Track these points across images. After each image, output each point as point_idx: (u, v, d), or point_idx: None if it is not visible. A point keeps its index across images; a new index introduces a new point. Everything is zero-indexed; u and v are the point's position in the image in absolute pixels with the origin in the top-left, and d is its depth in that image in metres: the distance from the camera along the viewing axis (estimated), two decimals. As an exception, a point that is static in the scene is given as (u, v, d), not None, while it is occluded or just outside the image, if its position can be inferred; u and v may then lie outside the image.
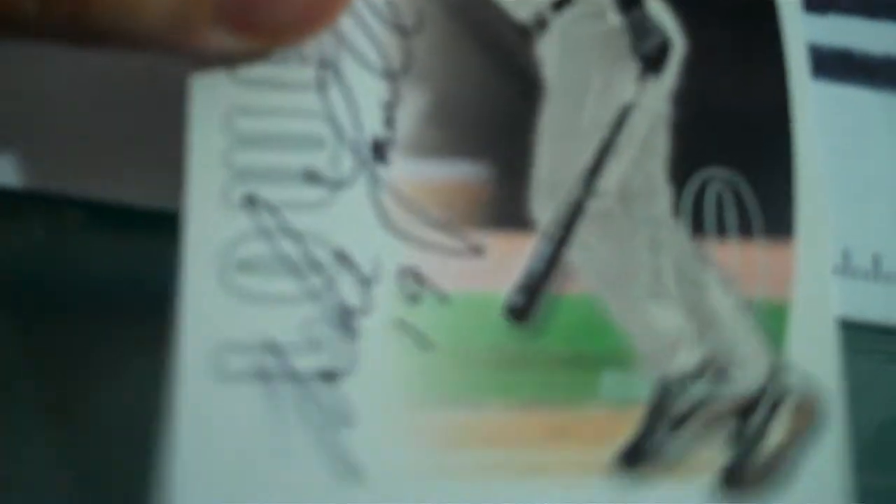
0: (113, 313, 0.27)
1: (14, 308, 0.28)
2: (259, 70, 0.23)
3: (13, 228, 0.29)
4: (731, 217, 0.23)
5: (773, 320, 0.23)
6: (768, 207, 0.23)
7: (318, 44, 0.23)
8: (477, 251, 0.22)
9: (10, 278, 0.28)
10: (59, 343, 0.27)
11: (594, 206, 0.23)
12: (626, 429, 0.23)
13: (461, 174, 0.23)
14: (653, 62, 0.23)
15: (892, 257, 0.31)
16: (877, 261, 0.31)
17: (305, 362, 0.22)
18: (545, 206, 0.23)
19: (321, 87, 0.23)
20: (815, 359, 0.24)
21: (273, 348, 0.21)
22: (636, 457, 0.22)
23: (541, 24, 0.24)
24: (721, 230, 0.23)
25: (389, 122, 0.23)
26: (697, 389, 0.22)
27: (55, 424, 0.27)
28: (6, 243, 0.29)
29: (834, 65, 0.33)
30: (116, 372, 0.26)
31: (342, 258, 0.22)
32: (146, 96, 0.28)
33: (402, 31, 0.23)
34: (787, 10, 0.24)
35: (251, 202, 0.22)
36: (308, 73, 0.23)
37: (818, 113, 0.30)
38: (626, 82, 0.23)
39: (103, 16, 0.21)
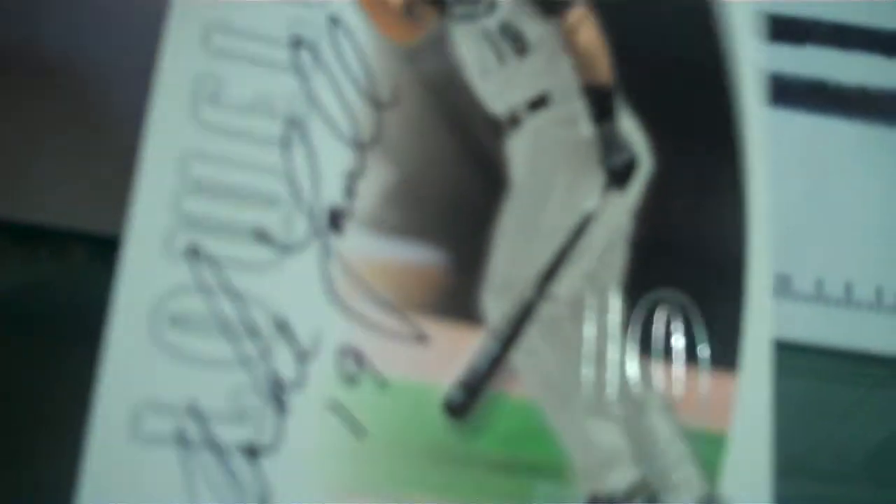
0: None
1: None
2: (223, 116, 0.21)
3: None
4: (679, 341, 0.22)
5: (709, 450, 0.22)
6: (715, 336, 0.22)
7: (289, 100, 0.21)
8: (422, 339, 0.21)
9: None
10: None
11: (545, 311, 0.21)
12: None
13: (415, 257, 0.21)
14: (619, 177, 0.23)
15: (864, 286, 0.31)
16: (849, 289, 0.31)
17: (228, 433, 0.20)
18: (496, 303, 0.21)
19: (285, 144, 0.21)
20: (749, 492, 0.22)
21: (196, 413, 0.19)
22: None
23: (514, 121, 0.23)
24: (667, 353, 0.22)
25: (350, 192, 0.21)
26: None
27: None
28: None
29: (808, 95, 0.33)
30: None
31: (282, 327, 0.20)
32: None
33: (376, 103, 0.22)
34: (752, 141, 0.23)
35: (194, 254, 0.20)
36: (274, 128, 0.21)
37: (791, 143, 0.31)
38: (590, 192, 0.22)
39: None
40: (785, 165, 0.31)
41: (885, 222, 0.31)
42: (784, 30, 0.33)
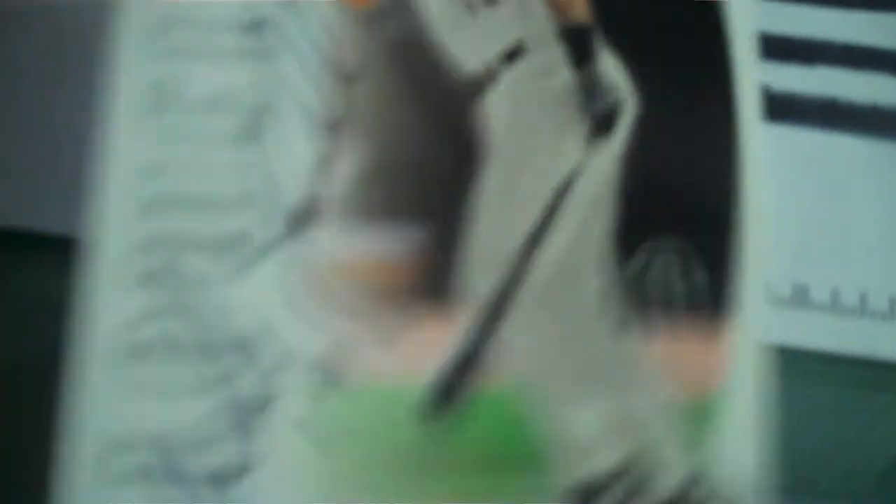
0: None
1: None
2: (181, 117, 0.19)
3: None
4: (679, 289, 0.20)
5: (697, 418, 0.21)
6: (715, 282, 0.20)
7: (252, 89, 0.19)
8: (394, 340, 0.19)
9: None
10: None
11: (535, 278, 0.20)
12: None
13: (391, 245, 0.19)
14: (603, 123, 0.20)
15: (878, 295, 0.32)
16: (864, 299, 0.32)
17: (194, 463, 0.19)
18: (482, 277, 0.20)
19: (251, 139, 0.19)
20: (741, 456, 0.21)
21: (160, 446, 0.18)
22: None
23: (489, 76, 0.20)
24: (668, 301, 0.20)
25: (321, 180, 0.19)
26: (614, 494, 0.20)
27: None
28: None
29: (821, 113, 0.34)
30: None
31: (243, 346, 0.19)
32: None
33: (342, 77, 0.20)
34: (743, 67, 0.21)
35: (153, 277, 0.19)
36: (236, 124, 0.19)
37: (805, 160, 0.33)
38: (573, 144, 0.20)
39: None
40: (800, 181, 0.33)
41: None
42: (795, 50, 0.34)
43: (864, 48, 0.35)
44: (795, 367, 0.29)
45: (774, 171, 0.32)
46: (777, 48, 0.34)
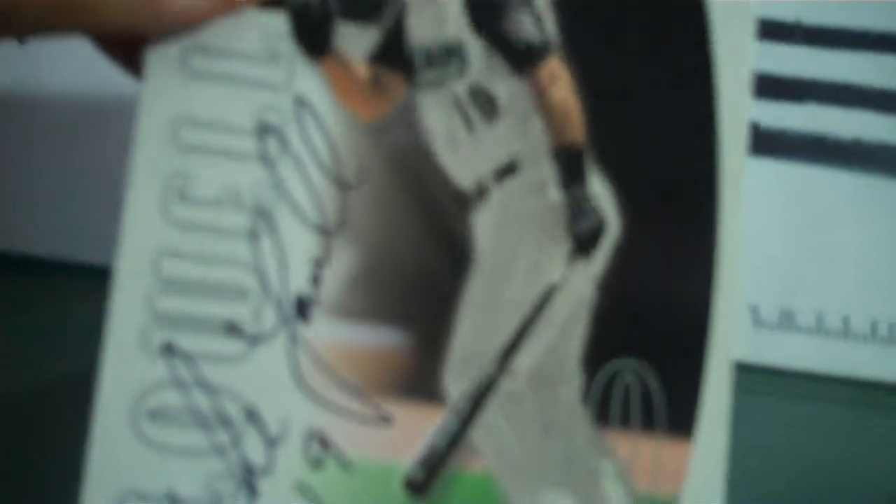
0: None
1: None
2: (192, 213, 0.21)
3: None
4: (637, 409, 0.21)
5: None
6: (674, 404, 0.21)
7: (256, 190, 0.21)
8: (386, 421, 0.21)
9: None
10: None
11: (505, 386, 0.21)
12: None
13: (380, 341, 0.21)
14: (585, 244, 0.22)
15: (860, 318, 0.34)
16: (847, 322, 0.34)
17: None
18: (456, 381, 0.21)
19: (253, 236, 0.21)
20: None
21: (174, 501, 0.20)
22: None
23: (481, 192, 0.22)
24: (625, 420, 0.21)
25: (316, 279, 0.21)
26: None
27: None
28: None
29: (809, 148, 0.36)
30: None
31: (252, 416, 0.21)
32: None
33: (342, 184, 0.21)
34: (728, 206, 0.22)
35: (169, 350, 0.20)
36: (242, 221, 0.21)
37: (793, 192, 0.35)
38: (555, 261, 0.21)
39: None
40: (788, 211, 0.35)
41: (879, 262, 0.34)
42: (785, 89, 0.36)
43: (851, 87, 0.36)
44: (784, 386, 0.32)
45: (763, 202, 0.34)
46: (768, 86, 0.35)
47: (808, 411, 0.33)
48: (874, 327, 0.34)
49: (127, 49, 0.24)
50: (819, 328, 0.34)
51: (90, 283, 0.27)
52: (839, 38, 0.37)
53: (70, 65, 0.33)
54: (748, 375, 0.31)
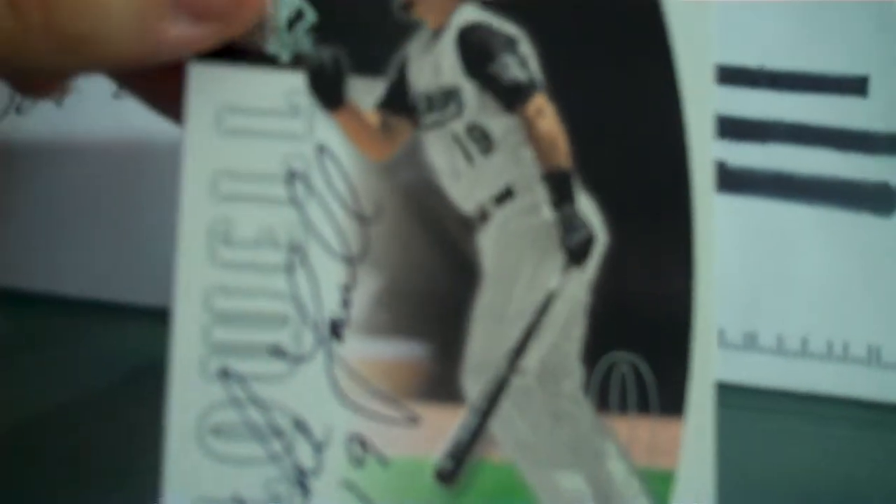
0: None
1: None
2: (235, 253, 0.24)
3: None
4: (632, 395, 0.24)
5: (661, 485, 0.24)
6: (664, 387, 0.24)
7: (289, 229, 0.24)
8: (414, 421, 0.24)
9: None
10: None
11: (516, 384, 0.24)
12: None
13: (404, 353, 0.24)
14: (577, 255, 0.24)
15: (817, 339, 0.38)
16: (805, 343, 0.38)
17: None
18: (473, 382, 0.24)
19: (289, 269, 0.24)
20: None
21: (239, 502, 0.24)
22: None
23: (483, 216, 0.25)
24: (622, 406, 0.24)
25: (346, 303, 0.24)
26: None
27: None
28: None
29: (771, 184, 0.39)
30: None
31: (300, 425, 0.24)
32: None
33: (362, 219, 0.24)
34: (701, 212, 0.25)
35: (225, 374, 0.24)
36: (278, 257, 0.24)
37: (757, 225, 0.39)
38: (552, 272, 0.24)
39: (73, 21, 0.22)
40: (752, 243, 0.38)
41: (834, 288, 0.38)
42: (749, 130, 0.40)
43: (809, 127, 0.39)
44: (746, 402, 0.36)
45: (729, 235, 0.38)
46: (733, 128, 0.39)
47: (769, 423, 0.37)
48: (830, 347, 0.38)
49: (154, 92, 0.27)
50: (779, 349, 0.38)
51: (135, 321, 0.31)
52: (799, 82, 0.40)
53: (105, 120, 0.37)
54: (715, 392, 0.35)
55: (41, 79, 0.27)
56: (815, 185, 0.40)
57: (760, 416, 0.37)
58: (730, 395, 0.34)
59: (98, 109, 0.39)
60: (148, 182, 0.38)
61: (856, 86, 0.42)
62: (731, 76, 0.41)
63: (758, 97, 0.41)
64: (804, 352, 0.38)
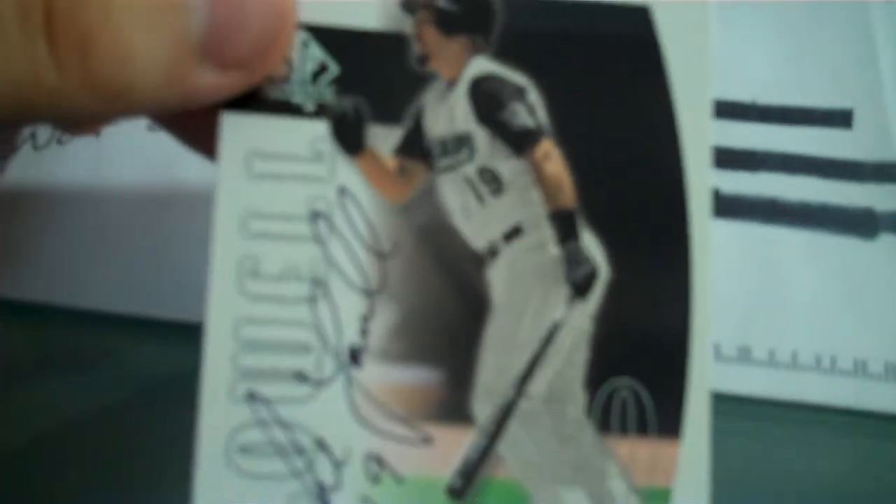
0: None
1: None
2: (262, 287, 0.26)
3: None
4: (632, 418, 0.26)
5: (658, 501, 0.26)
6: (663, 411, 0.26)
7: (312, 265, 0.26)
8: (427, 441, 0.26)
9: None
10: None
11: (523, 408, 0.26)
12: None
13: (419, 379, 0.26)
14: (581, 288, 0.26)
15: (806, 353, 0.41)
16: (795, 356, 0.40)
17: None
18: (483, 406, 0.26)
19: (312, 301, 0.26)
20: None
21: (265, 519, 0.25)
22: None
23: (493, 252, 0.26)
24: (623, 428, 0.26)
25: (365, 332, 0.26)
26: None
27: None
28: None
29: (762, 211, 0.42)
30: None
31: (321, 445, 0.26)
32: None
33: (380, 255, 0.26)
34: (698, 242, 0.26)
35: (252, 397, 0.26)
36: (302, 290, 0.26)
37: (749, 248, 0.42)
38: (557, 304, 0.26)
39: (111, 75, 0.23)
40: (746, 265, 0.41)
41: (822, 305, 0.41)
42: (742, 160, 0.43)
43: (798, 157, 0.43)
44: (741, 411, 0.39)
45: (725, 257, 0.40)
46: (727, 158, 0.42)
47: (762, 430, 0.39)
48: (818, 360, 0.40)
49: (185, 130, 0.29)
50: (771, 361, 0.40)
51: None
52: (788, 116, 0.43)
53: (139, 149, 0.39)
54: (712, 402, 0.37)
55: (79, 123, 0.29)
56: (803, 210, 0.43)
57: (754, 424, 0.40)
58: (725, 405, 0.37)
59: (132, 140, 0.41)
60: (175, 203, 0.40)
61: (841, 118, 0.44)
62: (726, 110, 0.44)
63: (750, 129, 0.44)
64: (794, 364, 0.40)
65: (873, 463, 0.39)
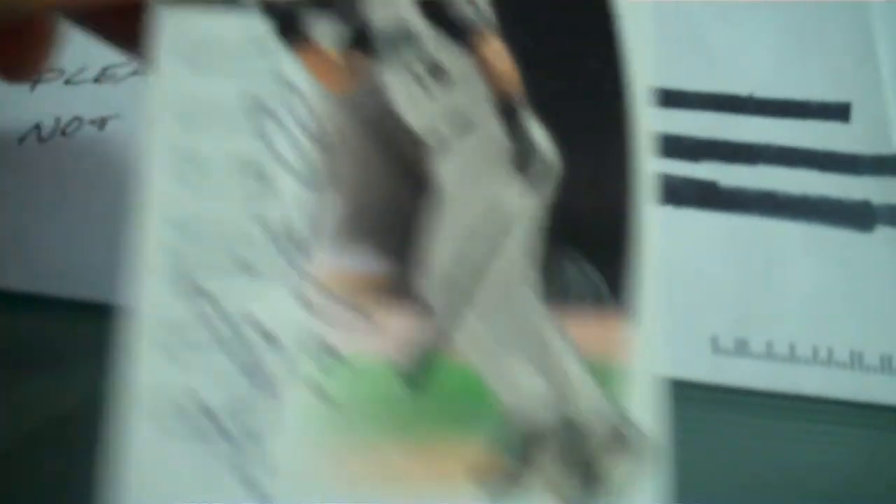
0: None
1: None
2: (204, 180, 0.25)
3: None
4: (583, 296, 0.25)
5: (614, 381, 0.25)
6: (613, 287, 0.25)
7: (257, 158, 0.25)
8: (379, 328, 0.25)
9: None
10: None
11: (478, 294, 0.25)
12: (497, 467, 0.25)
13: (369, 266, 0.25)
14: (531, 176, 0.26)
15: (804, 345, 0.40)
16: (792, 348, 0.40)
17: (238, 423, 0.25)
18: (438, 293, 0.25)
19: (259, 195, 0.25)
20: (647, 412, 0.26)
21: (209, 412, 0.24)
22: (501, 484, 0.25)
23: (443, 146, 0.26)
24: (575, 305, 0.25)
25: (311, 223, 0.25)
26: (556, 440, 0.25)
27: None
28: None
29: (761, 203, 0.42)
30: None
31: (268, 337, 0.25)
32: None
33: (326, 146, 0.25)
34: (640, 127, 0.26)
35: (195, 292, 0.25)
36: (247, 183, 0.25)
37: (748, 240, 0.42)
38: (510, 196, 0.25)
39: None
40: (744, 257, 0.41)
41: (820, 298, 0.40)
42: (740, 153, 0.43)
43: (796, 150, 0.43)
44: (739, 403, 0.39)
45: (722, 250, 0.40)
46: (725, 151, 0.42)
47: (760, 422, 0.39)
48: (815, 352, 0.39)
49: (112, 29, 0.29)
50: (769, 354, 0.40)
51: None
52: (786, 109, 0.43)
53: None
54: (710, 394, 0.39)
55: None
56: (801, 203, 0.43)
57: (752, 415, 0.39)
58: (723, 396, 0.38)
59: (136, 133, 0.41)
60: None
61: (839, 112, 0.44)
62: (724, 103, 0.44)
63: (748, 123, 0.44)
64: (792, 356, 0.40)
65: (869, 454, 0.39)
